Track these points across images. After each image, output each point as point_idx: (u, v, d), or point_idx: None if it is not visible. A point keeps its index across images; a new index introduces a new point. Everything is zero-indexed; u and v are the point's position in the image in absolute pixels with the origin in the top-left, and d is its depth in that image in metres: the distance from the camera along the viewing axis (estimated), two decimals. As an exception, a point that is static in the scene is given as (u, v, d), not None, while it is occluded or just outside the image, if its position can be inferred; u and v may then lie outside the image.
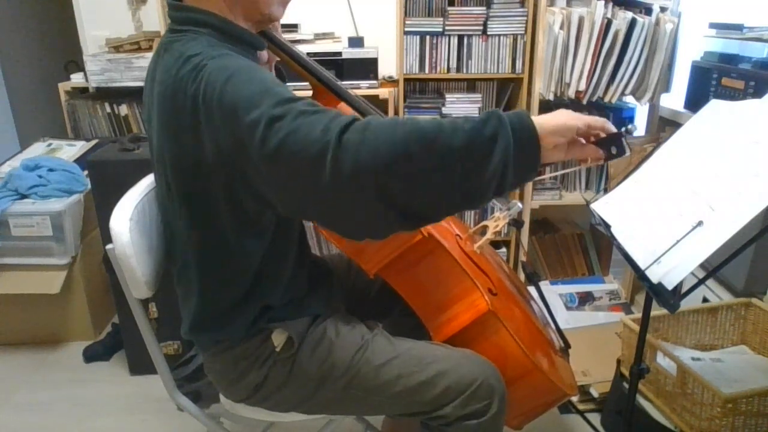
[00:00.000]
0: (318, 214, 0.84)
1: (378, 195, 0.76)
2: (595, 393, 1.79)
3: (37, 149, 2.41)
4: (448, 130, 0.76)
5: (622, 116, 2.30)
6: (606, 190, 1.26)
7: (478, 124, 0.77)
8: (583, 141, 0.88)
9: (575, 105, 2.26)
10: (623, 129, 0.86)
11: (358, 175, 0.74)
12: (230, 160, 0.85)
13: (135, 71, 2.35)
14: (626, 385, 1.49)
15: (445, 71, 2.20)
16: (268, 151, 0.78)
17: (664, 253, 0.96)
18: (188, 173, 0.92)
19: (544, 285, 2.35)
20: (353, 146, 0.74)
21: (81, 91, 2.53)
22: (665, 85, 2.06)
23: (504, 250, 2.42)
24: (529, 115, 0.80)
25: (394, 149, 0.74)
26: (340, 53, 2.22)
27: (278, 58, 1.15)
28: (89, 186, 1.92)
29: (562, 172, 0.97)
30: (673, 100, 2.12)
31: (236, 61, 0.88)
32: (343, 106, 1.15)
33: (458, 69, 2.20)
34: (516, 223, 1.22)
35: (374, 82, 2.25)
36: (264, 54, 1.10)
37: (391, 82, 2.40)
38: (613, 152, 0.87)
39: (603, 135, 0.87)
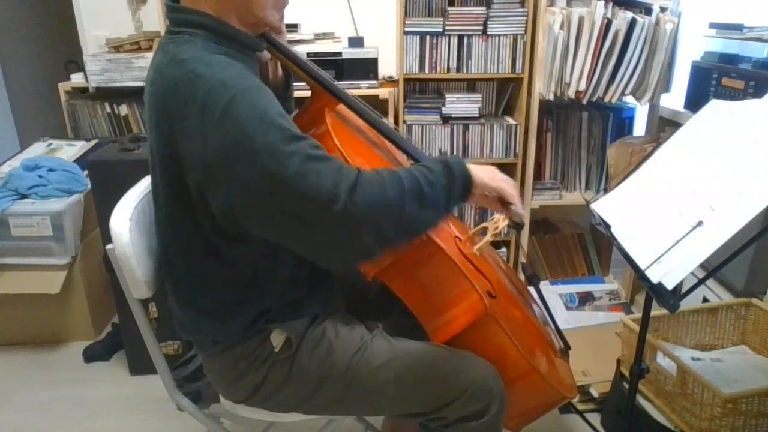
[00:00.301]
0: (296, 245, 0.92)
1: (375, 238, 0.90)
2: (595, 393, 1.79)
3: (37, 149, 2.41)
4: (422, 182, 0.94)
5: (622, 116, 2.30)
6: (606, 190, 1.26)
7: (438, 176, 0.96)
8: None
9: (575, 105, 2.27)
10: (511, 208, 1.10)
11: (363, 223, 0.88)
12: (210, 173, 0.87)
13: (135, 71, 2.35)
14: (626, 385, 1.49)
15: (445, 71, 2.20)
16: (269, 183, 0.85)
17: (664, 253, 0.96)
18: (175, 174, 0.93)
19: (544, 285, 2.35)
20: (361, 202, 0.87)
21: (81, 91, 2.53)
22: (665, 85, 2.06)
23: (504, 250, 2.43)
24: (465, 165, 1.02)
25: (392, 203, 0.90)
26: (340, 53, 2.22)
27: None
28: (89, 186, 1.92)
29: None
30: (673, 100, 2.12)
31: (237, 77, 0.88)
32: (341, 108, 1.15)
33: (458, 69, 2.20)
34: (516, 225, 1.22)
35: (374, 82, 2.25)
36: (265, 53, 1.10)
37: (391, 82, 2.40)
38: (510, 216, 1.11)
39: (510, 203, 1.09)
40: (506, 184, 1.07)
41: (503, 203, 1.09)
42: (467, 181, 1.01)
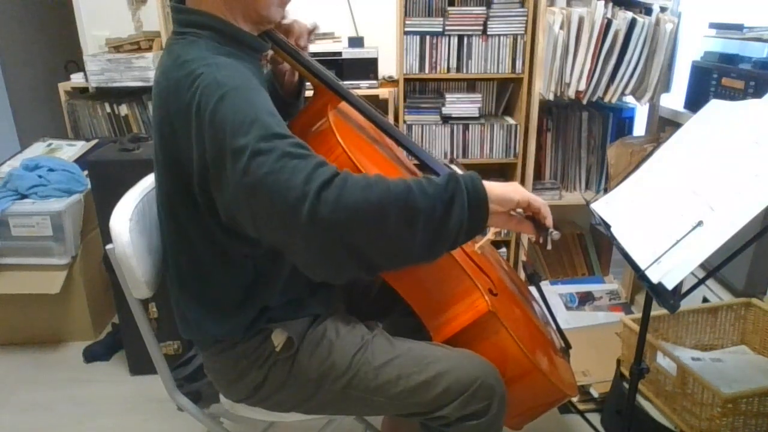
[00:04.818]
0: (282, 248, 0.86)
1: (346, 247, 0.81)
2: (595, 393, 1.79)
3: (37, 149, 2.41)
4: (416, 193, 0.82)
5: (622, 116, 2.31)
6: (606, 190, 1.26)
7: (439, 189, 0.84)
8: (521, 216, 0.98)
9: (575, 105, 2.27)
10: (549, 230, 0.98)
11: (332, 229, 0.79)
12: (210, 174, 0.87)
13: (135, 71, 2.35)
14: (626, 385, 1.49)
15: (445, 71, 2.20)
16: (247, 182, 0.81)
17: (664, 253, 0.96)
18: (178, 175, 0.93)
19: (544, 285, 2.35)
20: (331, 203, 0.79)
21: (81, 91, 2.53)
22: (665, 85, 2.06)
23: (504, 249, 2.43)
24: (480, 179, 0.88)
25: (370, 210, 0.80)
26: (340, 53, 2.22)
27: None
28: (89, 186, 1.92)
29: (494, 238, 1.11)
30: (673, 100, 2.12)
31: (233, 76, 0.88)
32: (344, 106, 1.16)
33: (458, 69, 2.20)
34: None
35: (374, 82, 2.25)
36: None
37: (391, 82, 2.40)
38: (540, 240, 0.98)
39: (541, 217, 0.98)
40: (535, 197, 0.96)
41: (536, 224, 0.98)
42: (478, 195, 0.87)
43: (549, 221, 0.98)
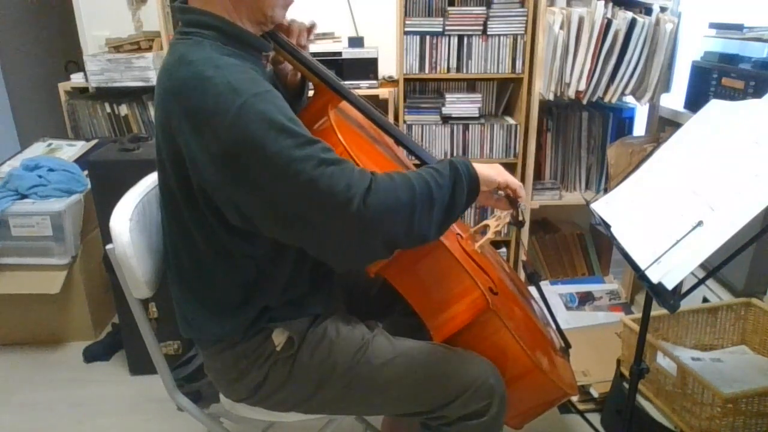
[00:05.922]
0: (306, 245, 0.94)
1: (382, 240, 0.91)
2: (595, 393, 1.79)
3: (37, 149, 2.42)
4: (432, 186, 0.94)
5: (622, 116, 2.30)
6: (606, 190, 1.26)
7: (446, 179, 0.97)
8: (500, 195, 1.12)
9: (575, 105, 2.27)
10: (519, 204, 1.13)
11: (375, 229, 0.89)
12: (225, 174, 0.88)
13: (135, 71, 2.35)
14: (626, 385, 1.49)
15: (445, 71, 2.20)
16: (286, 188, 0.86)
17: (664, 253, 0.96)
18: (181, 174, 0.93)
19: (544, 285, 2.35)
20: (374, 206, 0.88)
21: (81, 91, 2.53)
22: (665, 85, 2.06)
23: (504, 249, 2.43)
24: (472, 164, 1.02)
25: (403, 207, 0.91)
26: (340, 53, 2.22)
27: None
28: (89, 186, 1.92)
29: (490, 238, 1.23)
30: (673, 100, 2.12)
31: (246, 80, 0.89)
32: (344, 105, 1.16)
33: (458, 69, 2.20)
34: (518, 223, 1.22)
35: (374, 82, 2.25)
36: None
37: (391, 82, 2.40)
38: (514, 214, 1.15)
39: (518, 197, 1.11)
40: (514, 178, 1.10)
41: (511, 201, 1.11)
42: (473, 180, 1.01)
43: (522, 199, 1.12)
